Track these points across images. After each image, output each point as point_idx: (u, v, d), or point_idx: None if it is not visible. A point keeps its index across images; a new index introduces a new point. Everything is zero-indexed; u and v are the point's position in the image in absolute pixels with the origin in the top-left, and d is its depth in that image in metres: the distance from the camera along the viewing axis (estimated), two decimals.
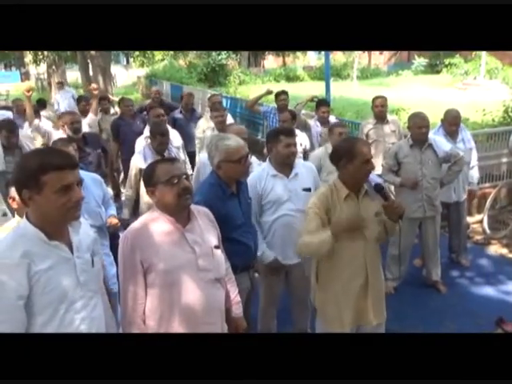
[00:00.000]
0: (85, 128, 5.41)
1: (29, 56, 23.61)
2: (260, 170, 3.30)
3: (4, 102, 16.37)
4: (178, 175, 2.14)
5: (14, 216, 2.53)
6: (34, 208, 1.70)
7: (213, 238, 2.27)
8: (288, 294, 3.45)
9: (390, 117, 5.55)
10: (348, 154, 2.55)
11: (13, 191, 2.31)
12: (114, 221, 3.35)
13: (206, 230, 2.24)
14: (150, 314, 2.12)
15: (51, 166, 1.65)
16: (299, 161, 3.41)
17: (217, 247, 2.27)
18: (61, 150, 2.23)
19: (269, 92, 6.41)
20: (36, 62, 22.57)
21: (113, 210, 3.44)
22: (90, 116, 6.20)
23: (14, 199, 2.39)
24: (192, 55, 24.33)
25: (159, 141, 4.13)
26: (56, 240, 1.71)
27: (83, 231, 1.86)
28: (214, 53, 21.81)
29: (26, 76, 28.78)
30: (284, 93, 6.16)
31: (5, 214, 2.67)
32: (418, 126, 4.16)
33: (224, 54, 22.18)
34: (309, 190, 3.20)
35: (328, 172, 3.50)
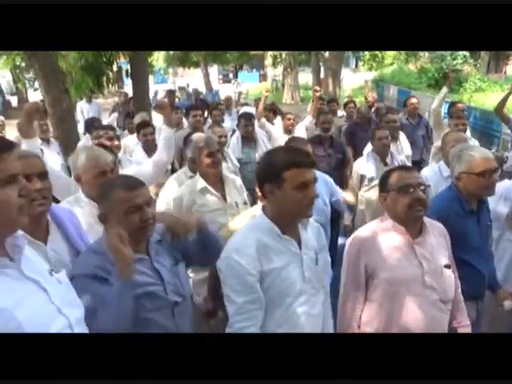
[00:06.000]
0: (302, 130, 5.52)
1: (268, 59, 25.98)
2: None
3: (244, 100, 18.41)
4: (414, 184, 2.06)
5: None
6: (272, 202, 1.82)
7: (444, 256, 2.13)
8: None
9: None
10: None
11: None
12: None
13: (438, 247, 2.11)
14: (366, 321, 2.10)
15: (293, 163, 1.74)
16: None
17: (447, 266, 2.11)
18: (302, 149, 2.37)
19: None
20: (274, 64, 24.70)
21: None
22: (308, 117, 5.89)
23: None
24: (424, 59, 23.25)
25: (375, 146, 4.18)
26: (287, 235, 1.81)
27: (310, 229, 1.93)
28: (448, 57, 20.46)
29: (263, 77, 31.85)
30: None
31: (245, 203, 2.92)
32: None
33: (460, 58, 20.58)
34: None
35: None
